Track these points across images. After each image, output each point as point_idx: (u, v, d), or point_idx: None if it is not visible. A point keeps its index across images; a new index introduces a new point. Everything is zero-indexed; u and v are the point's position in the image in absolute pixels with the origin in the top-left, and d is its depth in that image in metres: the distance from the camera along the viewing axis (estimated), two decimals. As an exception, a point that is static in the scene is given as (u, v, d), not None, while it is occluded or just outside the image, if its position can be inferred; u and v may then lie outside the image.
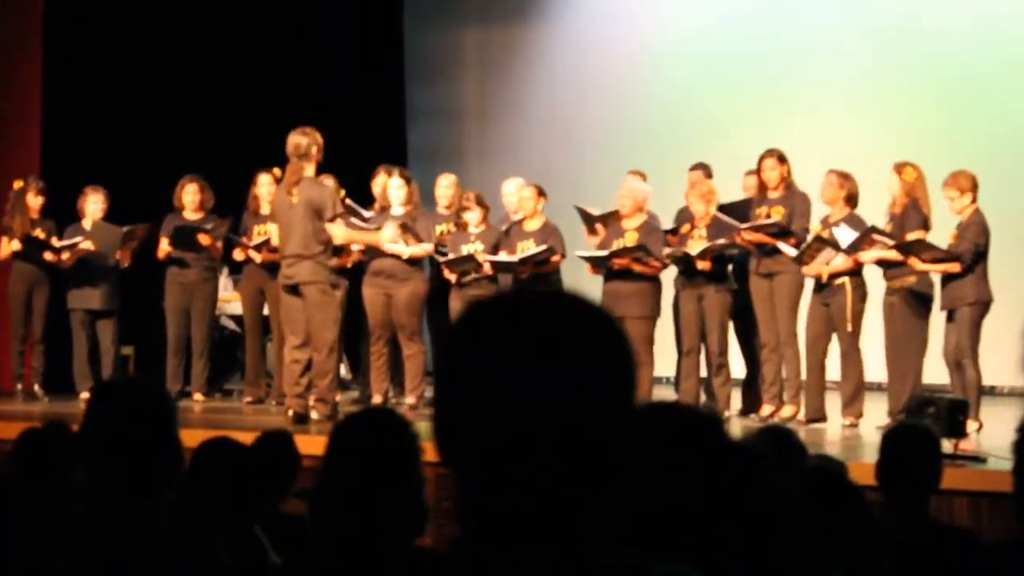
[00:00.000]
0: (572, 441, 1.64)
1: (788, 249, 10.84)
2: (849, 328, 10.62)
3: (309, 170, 10.47)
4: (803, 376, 11.05)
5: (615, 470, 1.67)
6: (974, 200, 10.25)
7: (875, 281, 10.75)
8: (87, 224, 12.59)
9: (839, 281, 10.65)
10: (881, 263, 10.53)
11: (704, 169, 12.27)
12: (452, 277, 11.81)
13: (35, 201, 12.60)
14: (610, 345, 1.70)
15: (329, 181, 11.12)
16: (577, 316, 1.71)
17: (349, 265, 11.93)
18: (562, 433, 1.64)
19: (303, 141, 10.45)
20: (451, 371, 1.71)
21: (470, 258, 11.67)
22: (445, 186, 12.51)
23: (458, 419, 1.68)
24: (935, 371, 10.62)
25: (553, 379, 1.64)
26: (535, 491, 1.64)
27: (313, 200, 10.40)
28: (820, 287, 10.79)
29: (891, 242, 10.34)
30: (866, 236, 10.40)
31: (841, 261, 10.59)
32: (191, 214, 12.68)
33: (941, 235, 10.34)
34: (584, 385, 1.65)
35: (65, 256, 12.44)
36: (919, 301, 10.43)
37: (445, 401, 1.71)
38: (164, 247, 12.59)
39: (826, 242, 10.64)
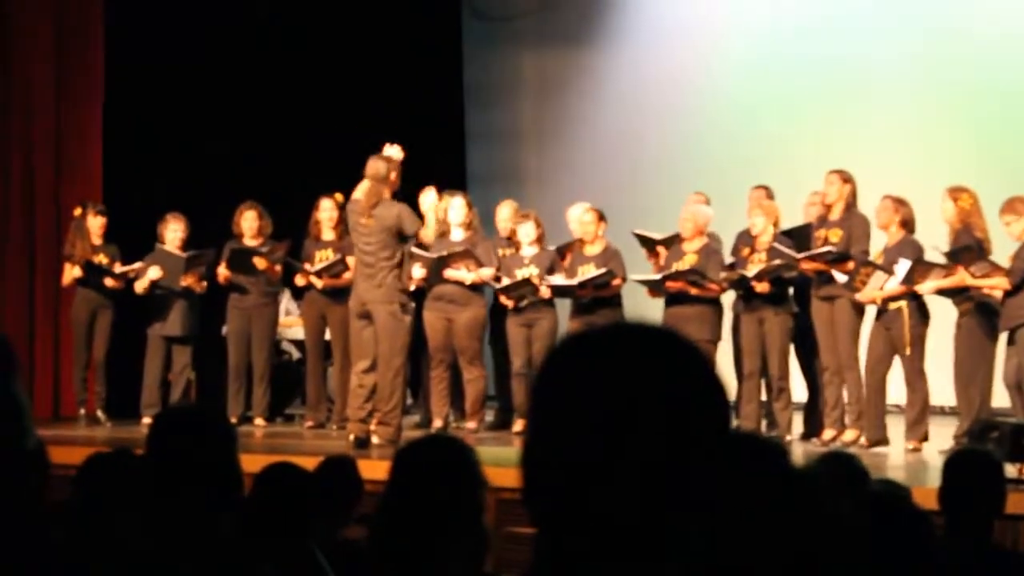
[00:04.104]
0: (662, 477, 1.65)
1: (839, 276, 10.80)
2: (908, 352, 10.56)
3: (386, 194, 10.52)
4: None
5: (702, 507, 1.67)
6: (1032, 222, 10.20)
7: (944, 302, 10.69)
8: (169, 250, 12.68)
9: (896, 305, 10.59)
10: (940, 292, 10.48)
11: (766, 190, 12.22)
12: (509, 303, 11.83)
13: (95, 223, 12.67)
14: (706, 382, 1.71)
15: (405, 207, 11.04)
16: (673, 352, 1.71)
17: (412, 289, 11.95)
18: (652, 469, 1.64)
19: (382, 166, 10.52)
20: (544, 403, 1.72)
21: (526, 282, 11.68)
22: (505, 218, 12.52)
23: (548, 451, 1.69)
24: (1003, 394, 10.54)
25: (648, 414, 1.65)
26: (618, 525, 1.65)
27: (388, 223, 10.45)
28: (880, 313, 10.74)
29: (943, 260, 10.32)
30: (917, 267, 10.36)
31: (895, 285, 10.54)
32: (250, 240, 12.73)
33: (1001, 259, 10.27)
34: (680, 421, 1.66)
35: (138, 287, 12.51)
36: (987, 323, 10.36)
37: (536, 433, 1.72)
38: (223, 272, 12.66)
39: (876, 267, 10.60)
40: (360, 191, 10.67)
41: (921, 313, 10.61)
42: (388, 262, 10.48)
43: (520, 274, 11.77)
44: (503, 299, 11.88)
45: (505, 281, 11.85)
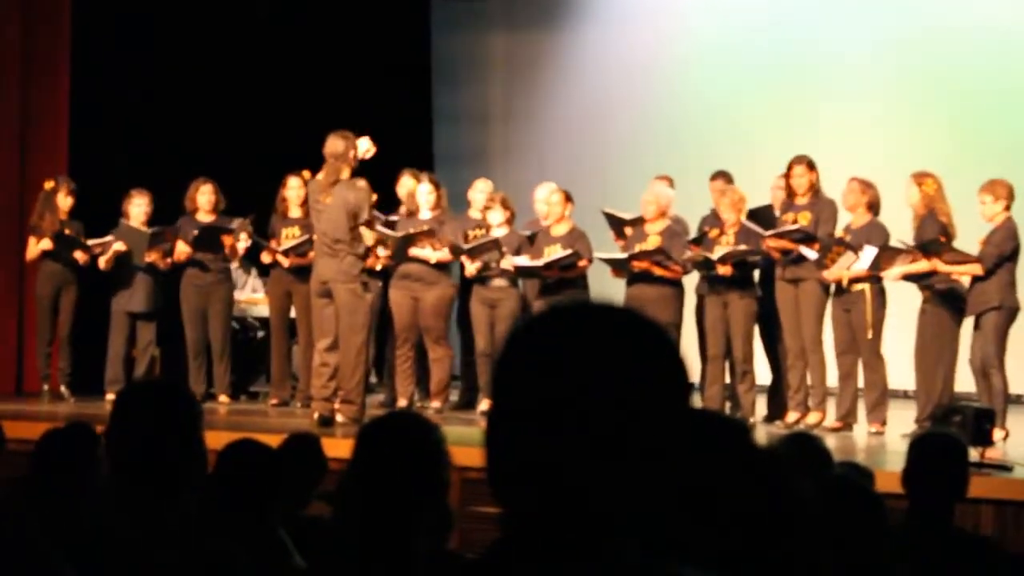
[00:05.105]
0: (627, 456, 1.65)
1: (809, 253, 10.83)
2: (869, 335, 10.62)
3: (345, 173, 10.50)
4: (828, 383, 11.03)
5: (661, 481, 1.68)
6: (1007, 208, 10.26)
7: (907, 287, 10.73)
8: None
9: (859, 287, 10.64)
10: (906, 278, 10.53)
11: (725, 177, 12.21)
12: (473, 268, 11.76)
13: (65, 202, 12.56)
14: (669, 361, 1.71)
15: (363, 183, 10.97)
16: (638, 331, 1.72)
17: (378, 268, 11.93)
18: (617, 448, 1.65)
19: (341, 144, 10.48)
20: (508, 381, 1.72)
21: (494, 243, 11.65)
22: (481, 190, 12.49)
23: (512, 430, 1.69)
24: (964, 379, 10.59)
25: (613, 393, 1.66)
26: (583, 504, 1.65)
27: (349, 202, 10.43)
28: (840, 291, 10.79)
29: (910, 246, 10.37)
30: (884, 253, 10.41)
31: (862, 268, 10.58)
32: (205, 216, 12.68)
33: (965, 245, 10.31)
34: (644, 400, 1.66)
35: (102, 262, 12.43)
36: (951, 308, 10.42)
37: (500, 412, 1.72)
38: (183, 249, 12.56)
39: (847, 245, 10.64)
40: (322, 171, 10.67)
41: (882, 297, 10.68)
42: (347, 239, 10.46)
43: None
44: (468, 265, 11.82)
45: (473, 244, 11.81)
